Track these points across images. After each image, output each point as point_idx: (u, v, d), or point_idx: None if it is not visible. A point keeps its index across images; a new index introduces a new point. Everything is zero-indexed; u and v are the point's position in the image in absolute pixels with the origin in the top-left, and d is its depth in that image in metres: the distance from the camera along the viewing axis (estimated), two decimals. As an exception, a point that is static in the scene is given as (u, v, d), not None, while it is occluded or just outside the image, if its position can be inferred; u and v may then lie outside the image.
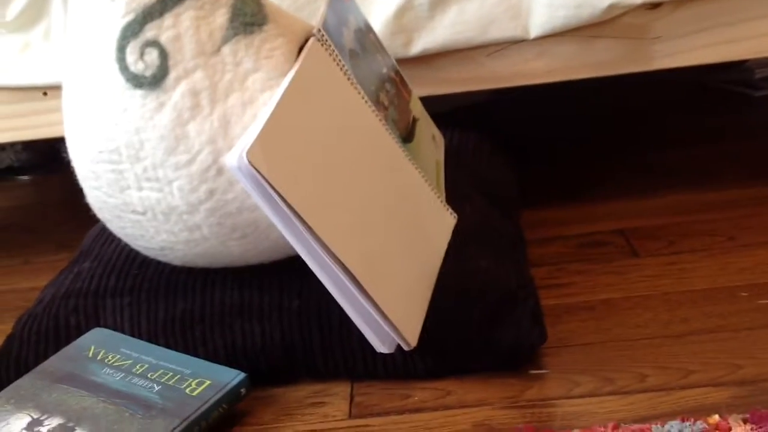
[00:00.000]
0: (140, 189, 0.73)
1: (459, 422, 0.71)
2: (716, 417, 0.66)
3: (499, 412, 0.72)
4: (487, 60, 0.96)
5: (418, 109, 0.91)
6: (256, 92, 0.72)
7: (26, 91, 0.98)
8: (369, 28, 0.86)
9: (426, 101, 0.94)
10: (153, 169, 0.72)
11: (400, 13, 0.92)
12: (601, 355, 0.77)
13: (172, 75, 0.70)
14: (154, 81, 0.70)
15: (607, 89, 1.30)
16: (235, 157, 0.64)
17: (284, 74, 0.72)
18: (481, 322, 0.77)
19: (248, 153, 0.63)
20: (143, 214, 0.75)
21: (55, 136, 0.99)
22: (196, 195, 0.73)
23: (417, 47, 0.94)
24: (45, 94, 0.98)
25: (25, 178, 1.46)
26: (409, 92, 0.90)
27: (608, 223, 1.02)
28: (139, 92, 0.70)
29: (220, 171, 0.72)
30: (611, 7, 0.89)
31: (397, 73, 0.89)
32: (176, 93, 0.70)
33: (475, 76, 0.97)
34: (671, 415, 0.67)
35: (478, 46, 0.94)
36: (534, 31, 0.92)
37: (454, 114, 1.17)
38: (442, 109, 1.02)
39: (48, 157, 1.48)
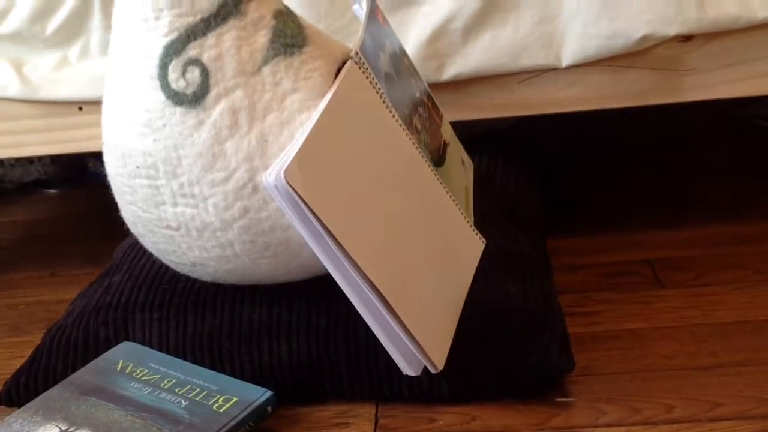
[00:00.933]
0: (175, 205, 0.74)
1: (484, 447, 0.71)
2: (745, 451, 0.65)
3: (525, 439, 0.72)
4: (518, 87, 0.96)
5: (448, 134, 0.92)
6: (294, 112, 0.73)
7: (61, 105, 1.00)
8: (403, 53, 0.87)
9: (455, 124, 0.94)
10: (189, 186, 0.73)
11: (434, 38, 0.93)
12: (628, 385, 0.77)
13: (213, 93, 0.71)
14: (195, 99, 0.71)
15: (633, 117, 1.31)
16: (272, 176, 0.65)
17: (322, 95, 0.73)
18: (508, 347, 0.77)
19: (286, 172, 0.64)
20: (177, 229, 0.76)
21: (88, 150, 1.00)
22: (231, 212, 0.73)
23: (449, 72, 0.94)
24: (80, 109, 1.00)
25: (52, 191, 1.48)
26: (441, 117, 0.91)
27: (635, 253, 1.02)
28: (179, 109, 0.71)
29: (256, 189, 0.73)
30: (644, 38, 0.90)
31: (429, 97, 0.90)
32: (216, 111, 0.71)
33: (506, 102, 0.97)
34: (699, 448, 0.67)
35: (510, 73, 0.95)
36: (566, 60, 0.93)
37: (483, 136, 1.18)
38: (471, 132, 1.03)
39: (75, 171, 1.50)
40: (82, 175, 1.50)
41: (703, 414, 0.72)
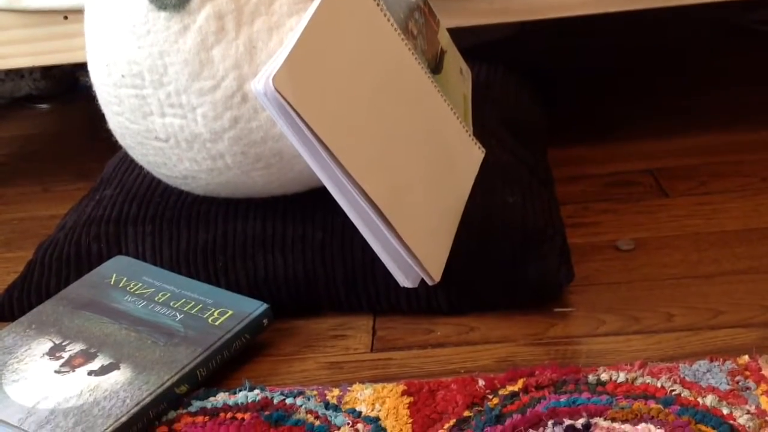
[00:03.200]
0: (163, 115, 0.72)
1: (482, 358, 0.71)
2: (746, 357, 0.65)
3: (523, 349, 0.71)
4: (518, -10, 0.93)
5: (446, 41, 0.89)
6: (283, 16, 0.70)
7: (46, 14, 0.96)
8: (398, -46, 0.83)
9: (454, 35, 0.91)
10: (176, 95, 0.71)
11: (431, -61, 0.89)
12: (628, 295, 0.76)
13: (197, -3, 0.68)
14: (179, 3, 0.68)
15: (635, 26, 1.27)
16: (261, 83, 0.62)
17: (312, -2, 0.70)
18: (507, 258, 0.75)
19: (274, 78, 0.61)
20: (166, 141, 0.73)
21: (75, 61, 0.97)
22: (220, 122, 0.71)
23: (447, -24, 0.91)
24: (65, 17, 0.96)
25: (44, 106, 1.45)
26: (438, 23, 0.88)
27: (637, 162, 1.00)
28: (163, 14, 0.68)
29: (245, 98, 0.70)
30: (650, -64, 0.86)
31: (426, 2, 0.86)
32: (201, 16, 0.68)
33: (506, 7, 0.94)
34: (699, 355, 0.66)
35: (510, -24, 0.91)
36: (569, -39, 0.89)
37: (482, 48, 1.15)
38: (470, 44, 1.00)
39: (67, 86, 1.47)
40: (73, 89, 1.47)
41: (703, 322, 0.71)
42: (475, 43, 1.15)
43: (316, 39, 0.66)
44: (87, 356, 0.69)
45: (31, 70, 1.44)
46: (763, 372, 0.63)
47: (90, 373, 0.67)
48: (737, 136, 1.04)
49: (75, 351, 0.69)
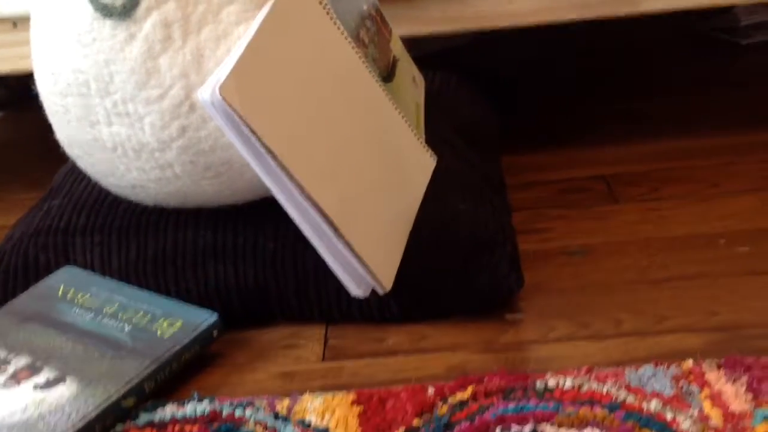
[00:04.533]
0: (110, 124, 0.71)
1: (433, 366, 0.71)
2: (690, 362, 0.65)
3: (474, 356, 0.71)
4: (471, -1, 0.93)
5: (398, 49, 0.89)
6: (230, 25, 0.69)
7: (-6, 22, 0.95)
8: (349, -37, 0.83)
9: (407, 44, 0.91)
10: (123, 104, 0.70)
11: (382, -53, 0.89)
12: (578, 300, 0.77)
13: (143, 5, 0.68)
14: (124, 11, 0.67)
15: (592, 32, 1.28)
16: (207, 92, 0.62)
17: (260, 7, 0.70)
18: (458, 266, 0.76)
19: (221, 87, 0.61)
20: (113, 150, 0.73)
21: (25, 69, 0.95)
22: (168, 132, 0.71)
23: (399, -16, 0.91)
24: (15, 25, 0.95)
25: (-2, 114, 1.43)
26: (390, 31, 0.88)
27: (589, 168, 1.01)
28: (108, 22, 0.68)
29: (193, 107, 0.70)
30: (599, -55, 0.87)
31: (377, 11, 0.86)
32: (147, 24, 0.68)
33: (459, 15, 0.94)
34: (645, 360, 0.67)
35: (462, -16, 0.92)
36: (519, -30, 0.90)
37: (435, 57, 1.15)
38: (423, 52, 1.00)
39: (19, 94, 1.44)
40: (26, 97, 1.44)
41: (651, 327, 0.72)
42: (430, 52, 1.15)
43: (264, 48, 0.66)
44: (32, 370, 0.68)
45: (-18, 78, 1.42)
46: (706, 376, 0.64)
47: (35, 386, 0.66)
48: (690, 142, 1.05)
49: (20, 364, 0.68)
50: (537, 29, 0.97)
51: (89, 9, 0.68)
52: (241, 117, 0.63)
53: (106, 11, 0.68)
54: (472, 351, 0.72)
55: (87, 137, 0.73)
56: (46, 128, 0.80)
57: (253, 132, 0.63)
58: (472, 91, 1.06)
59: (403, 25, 0.93)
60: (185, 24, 0.69)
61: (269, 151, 0.64)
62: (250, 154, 0.65)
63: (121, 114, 0.70)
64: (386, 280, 0.71)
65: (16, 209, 1.00)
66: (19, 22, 0.95)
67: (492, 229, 0.79)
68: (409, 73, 0.90)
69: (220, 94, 0.61)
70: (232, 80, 0.63)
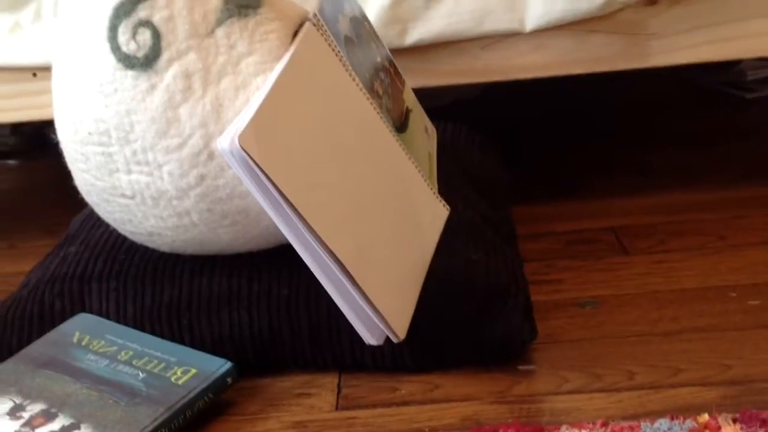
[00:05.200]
0: (129, 172, 0.72)
1: (446, 416, 0.71)
2: (706, 416, 0.65)
3: (487, 407, 0.71)
4: (481, 52, 0.95)
5: (411, 100, 0.90)
6: (249, 76, 0.71)
7: (15, 71, 0.97)
8: (364, 17, 0.85)
9: (419, 95, 0.93)
10: (143, 153, 0.71)
11: (396, 2, 0.91)
12: (590, 352, 0.77)
13: (165, 56, 0.69)
14: (146, 62, 0.69)
15: (600, 85, 1.30)
16: (226, 141, 0.63)
17: (278, 58, 0.71)
18: (471, 316, 0.76)
19: (240, 137, 0.62)
20: (132, 198, 0.74)
21: (44, 118, 0.97)
22: (186, 180, 0.72)
23: (412, 37, 0.93)
24: (34, 75, 0.97)
25: (13, 162, 1.45)
26: (403, 83, 0.90)
27: (598, 220, 1.02)
28: (130, 73, 0.69)
29: (212, 156, 0.71)
30: (609, 2, 0.89)
31: (391, 63, 0.88)
32: (168, 75, 0.69)
33: (470, 68, 0.96)
34: (660, 413, 0.67)
35: (473, 38, 0.93)
36: (530, 24, 0.92)
37: (447, 108, 1.17)
38: (435, 104, 1.02)
39: (36, 142, 1.47)
40: (42, 145, 1.47)
41: (664, 380, 0.72)
42: (441, 104, 1.17)
43: (282, 98, 0.68)
44: (48, 416, 0.68)
45: (0, 126, 1.44)
46: (722, 430, 0.63)
47: (50, 433, 0.66)
48: (696, 195, 1.06)
49: (36, 411, 0.68)
50: (543, 81, 0.99)
51: (112, 60, 0.70)
52: (259, 166, 0.64)
53: (129, 62, 0.69)
54: (486, 402, 0.72)
55: (106, 185, 0.74)
56: (60, 176, 0.81)
57: (271, 181, 0.64)
58: (482, 142, 1.07)
59: (416, 77, 0.94)
60: (205, 75, 0.70)
61: (286, 200, 0.65)
62: (267, 202, 0.66)
63: (141, 162, 0.72)
64: (400, 329, 0.72)
65: (31, 255, 1.01)
66: (39, 72, 0.97)
67: (505, 279, 0.79)
68: (421, 123, 0.92)
69: (239, 144, 0.62)
70: (250, 130, 0.64)
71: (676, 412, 0.66)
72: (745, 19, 0.93)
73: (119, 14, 0.68)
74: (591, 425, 0.65)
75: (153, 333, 0.78)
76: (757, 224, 0.97)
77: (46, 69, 0.94)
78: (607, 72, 0.97)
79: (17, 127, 1.44)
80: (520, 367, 0.76)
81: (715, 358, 0.74)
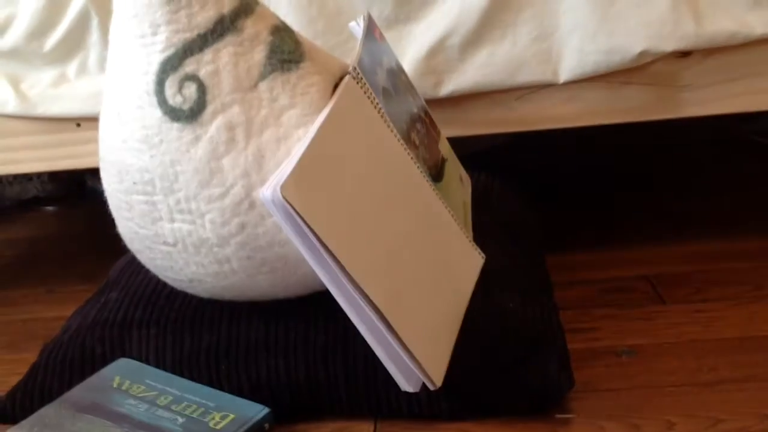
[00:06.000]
0: (172, 221, 0.74)
1: (483, 465, 0.71)
2: (747, 467, 0.65)
3: (525, 456, 0.71)
4: (515, 103, 0.96)
5: (446, 150, 0.92)
6: (291, 128, 0.72)
7: (60, 121, 0.99)
8: (401, 69, 0.87)
9: (453, 140, 0.94)
10: (186, 202, 0.73)
11: (432, 54, 0.93)
12: (628, 402, 0.77)
13: (209, 109, 0.71)
14: (192, 114, 0.71)
15: (633, 135, 1.31)
16: (269, 191, 0.64)
17: (319, 111, 0.73)
18: (508, 364, 0.76)
19: (282, 187, 0.64)
20: (174, 245, 0.75)
21: (86, 167, 1.00)
22: (228, 228, 0.73)
23: (447, 88, 0.94)
24: (78, 125, 0.99)
25: (50, 208, 1.48)
26: (438, 133, 0.91)
27: (634, 268, 1.02)
28: (176, 125, 0.71)
29: (253, 205, 0.72)
30: (642, 54, 0.90)
31: (426, 113, 0.90)
32: (212, 127, 0.71)
33: (504, 118, 0.97)
34: (702, 464, 0.67)
35: (508, 89, 0.95)
36: (564, 76, 0.93)
37: (481, 154, 1.18)
38: (466, 152, 1.03)
39: (73, 188, 1.50)
40: (80, 192, 1.50)
41: (704, 430, 0.72)
42: (474, 151, 1.18)
43: (322, 149, 0.69)
44: (88, 460, 0.69)
45: (39, 173, 1.47)
46: (764, 481, 0.63)
47: (90, 477, 0.67)
48: (731, 244, 1.06)
49: (76, 455, 0.69)
50: (577, 130, 1.00)
51: (158, 112, 0.72)
52: (299, 215, 0.65)
53: (175, 115, 0.71)
54: (523, 451, 0.72)
55: (149, 233, 0.76)
56: (98, 222, 0.83)
57: (311, 229, 0.65)
58: (516, 190, 1.08)
59: (451, 127, 0.96)
60: (248, 127, 0.72)
61: (325, 247, 0.66)
62: (307, 250, 0.67)
63: (184, 211, 0.73)
64: (437, 376, 0.72)
65: (69, 301, 1.03)
66: (83, 122, 0.99)
67: (541, 327, 0.79)
68: (456, 172, 0.93)
69: (281, 194, 0.64)
70: (292, 180, 0.65)
71: (717, 464, 0.66)
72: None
73: (166, 69, 0.70)
74: (630, 476, 0.65)
75: (192, 378, 0.79)
76: (793, 273, 0.97)
77: (90, 119, 0.97)
78: (640, 122, 0.97)
79: (55, 174, 1.47)
80: (557, 416, 0.75)
81: (754, 408, 0.74)
